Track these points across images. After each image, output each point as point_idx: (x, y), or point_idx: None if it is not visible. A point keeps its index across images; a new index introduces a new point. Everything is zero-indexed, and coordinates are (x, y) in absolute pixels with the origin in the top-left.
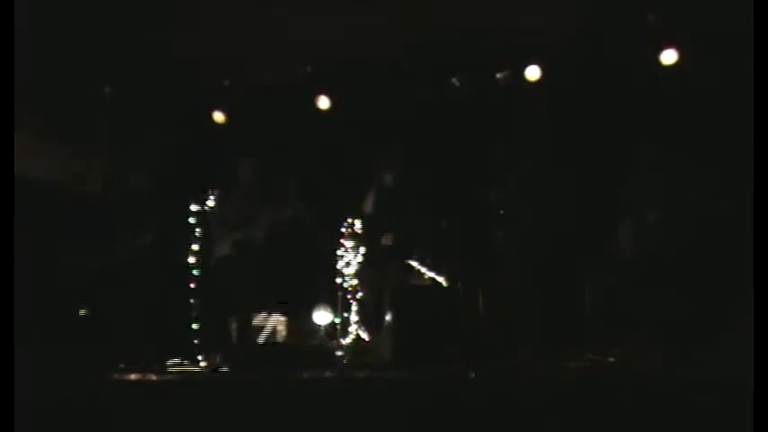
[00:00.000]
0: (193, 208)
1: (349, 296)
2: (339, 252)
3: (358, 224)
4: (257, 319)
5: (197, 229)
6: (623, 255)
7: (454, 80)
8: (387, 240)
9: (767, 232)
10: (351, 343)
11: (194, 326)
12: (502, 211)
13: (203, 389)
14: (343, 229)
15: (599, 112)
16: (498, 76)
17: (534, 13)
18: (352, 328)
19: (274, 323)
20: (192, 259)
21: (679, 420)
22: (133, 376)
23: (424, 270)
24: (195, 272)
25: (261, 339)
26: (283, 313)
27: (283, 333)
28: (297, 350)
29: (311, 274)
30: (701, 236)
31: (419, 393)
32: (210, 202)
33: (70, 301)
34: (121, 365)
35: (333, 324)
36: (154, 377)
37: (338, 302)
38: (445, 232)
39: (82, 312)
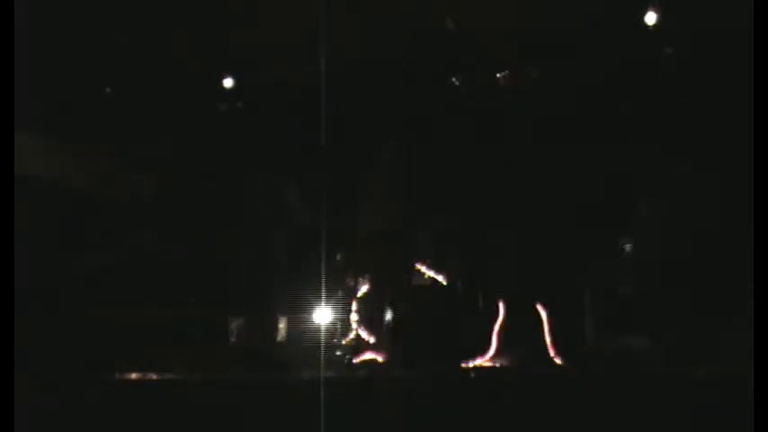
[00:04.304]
0: (194, 208)
1: (349, 296)
2: (339, 252)
3: (358, 224)
4: (257, 320)
5: (197, 229)
6: (625, 255)
7: (454, 80)
8: (386, 240)
9: (767, 232)
10: (351, 343)
11: (194, 326)
12: None
13: (203, 389)
14: (343, 230)
15: (599, 112)
16: (498, 75)
17: (534, 12)
18: (352, 328)
19: (274, 323)
20: (191, 259)
21: (678, 420)
22: (133, 376)
23: (424, 270)
24: (195, 272)
25: (261, 339)
26: (283, 313)
27: (283, 333)
28: (296, 350)
29: (312, 273)
30: (701, 236)
31: (419, 393)
32: (211, 202)
33: (70, 301)
34: (121, 365)
35: (333, 324)
36: (154, 377)
37: (338, 302)
38: (445, 232)
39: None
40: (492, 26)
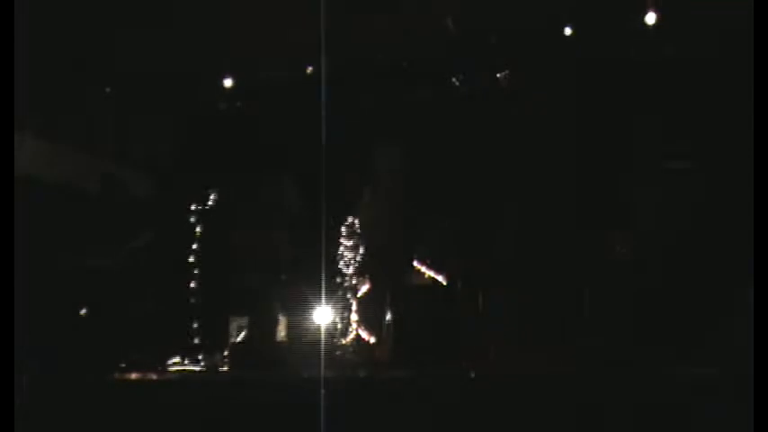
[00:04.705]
0: (193, 208)
1: (349, 296)
2: (339, 251)
3: (358, 223)
4: (257, 319)
5: (197, 229)
6: (622, 254)
7: (454, 80)
8: (386, 240)
9: (767, 231)
10: (351, 343)
11: (194, 326)
12: None
13: (203, 389)
14: (343, 229)
15: (598, 112)
16: (498, 75)
17: (534, 13)
18: (352, 328)
19: (274, 323)
20: (192, 259)
21: (678, 419)
22: (133, 376)
23: (424, 270)
24: (195, 272)
25: (260, 339)
26: (283, 313)
27: (283, 333)
28: (296, 350)
29: (311, 273)
30: (699, 235)
31: (419, 393)
32: (211, 202)
33: (70, 301)
34: (121, 365)
35: (333, 324)
36: (154, 377)
37: (338, 302)
38: (445, 232)
39: (82, 312)
40: (492, 26)
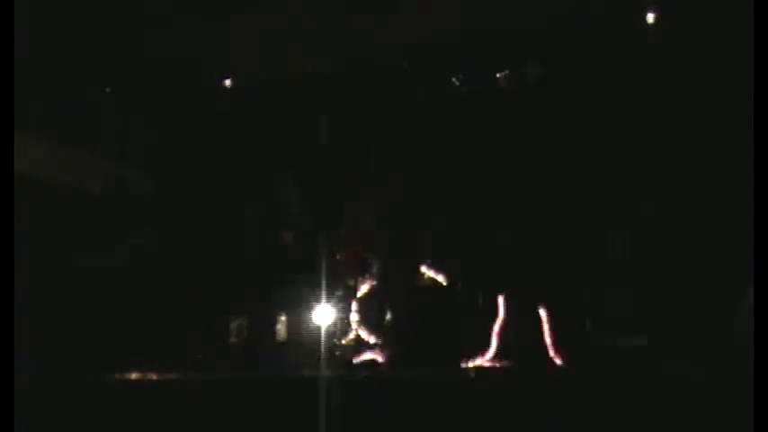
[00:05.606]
0: (193, 208)
1: (349, 296)
2: (339, 252)
3: (358, 224)
4: (256, 320)
5: (197, 229)
6: (621, 255)
7: (454, 80)
8: (386, 240)
9: (766, 230)
10: (351, 343)
11: (193, 326)
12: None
13: (203, 389)
14: (342, 229)
15: (597, 112)
16: (498, 75)
17: (534, 13)
18: (352, 328)
19: (274, 323)
20: (191, 259)
21: (676, 419)
22: (133, 376)
23: (424, 270)
24: (195, 272)
25: (261, 339)
26: (283, 313)
27: (283, 333)
28: (296, 350)
29: (311, 273)
30: (697, 234)
31: (419, 393)
32: (210, 202)
33: (70, 301)
34: (121, 365)
35: (333, 324)
36: (154, 377)
37: (338, 303)
38: (445, 232)
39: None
40: (492, 26)
